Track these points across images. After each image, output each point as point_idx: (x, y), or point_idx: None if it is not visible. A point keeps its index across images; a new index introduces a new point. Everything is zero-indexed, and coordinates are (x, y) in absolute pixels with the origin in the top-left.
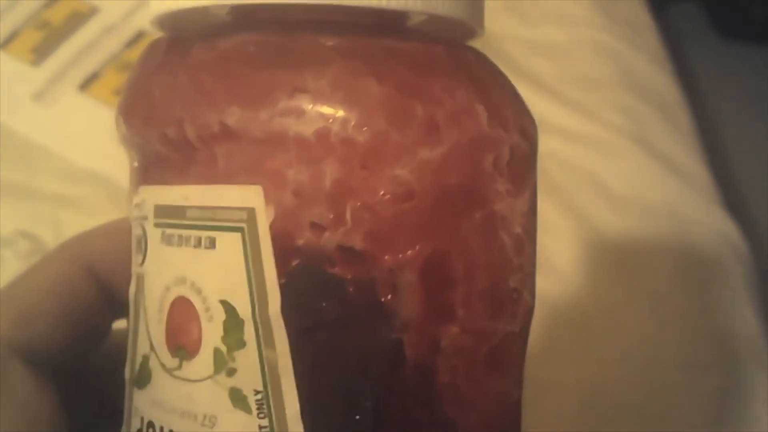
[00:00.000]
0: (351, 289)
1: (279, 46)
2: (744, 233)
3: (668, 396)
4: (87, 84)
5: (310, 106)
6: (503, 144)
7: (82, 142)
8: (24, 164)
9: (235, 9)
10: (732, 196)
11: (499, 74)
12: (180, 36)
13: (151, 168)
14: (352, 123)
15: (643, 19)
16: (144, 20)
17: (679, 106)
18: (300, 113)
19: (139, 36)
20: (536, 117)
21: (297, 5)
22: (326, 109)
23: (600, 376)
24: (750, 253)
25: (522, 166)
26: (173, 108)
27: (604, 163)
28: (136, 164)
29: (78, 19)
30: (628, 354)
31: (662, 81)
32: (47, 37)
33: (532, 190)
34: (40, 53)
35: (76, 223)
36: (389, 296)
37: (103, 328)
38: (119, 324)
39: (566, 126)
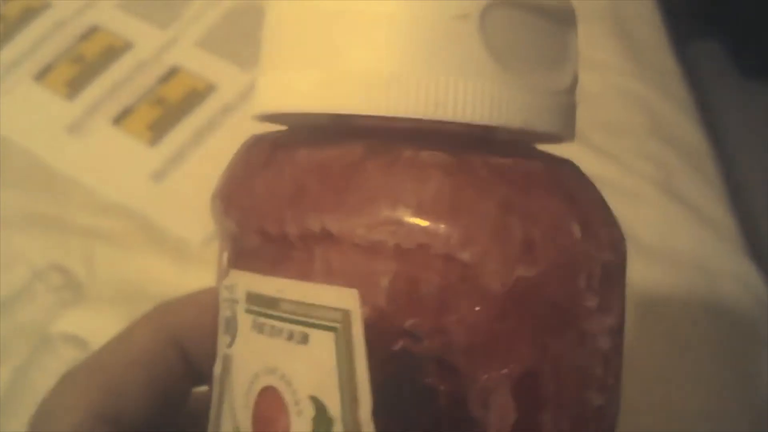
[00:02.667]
0: (443, 401)
1: (382, 158)
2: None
3: None
4: (121, 118)
5: (412, 220)
6: (596, 262)
7: (115, 176)
8: (56, 197)
9: (335, 117)
10: (755, 241)
11: (592, 187)
12: (286, 135)
13: (245, 254)
14: (453, 239)
15: (670, 64)
16: (177, 56)
17: (706, 154)
18: (401, 225)
19: (172, 71)
20: None
21: (397, 119)
22: (427, 224)
23: (628, 425)
24: None
25: (612, 282)
26: (275, 205)
27: (631, 211)
28: (227, 247)
29: (112, 54)
30: (656, 404)
31: (689, 128)
32: (82, 71)
33: (621, 304)
34: (74, 87)
35: (107, 257)
36: (481, 412)
37: (184, 396)
38: (198, 388)
39: (594, 173)
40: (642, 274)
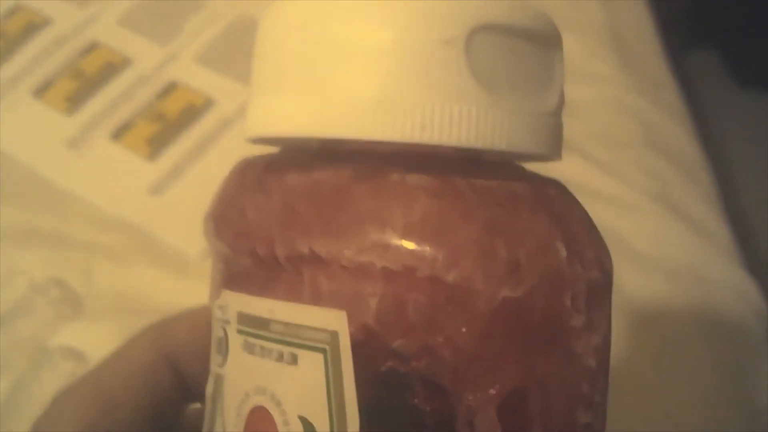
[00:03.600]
0: (430, 422)
1: (369, 181)
2: (763, 291)
3: None
4: (120, 133)
5: (398, 242)
6: (581, 281)
7: (114, 191)
8: (55, 211)
9: (325, 140)
10: (749, 251)
11: (577, 206)
12: (276, 158)
13: (236, 276)
14: (439, 261)
15: (665, 75)
16: (176, 71)
17: (701, 165)
18: (388, 248)
19: (170, 87)
20: (560, 175)
21: (385, 143)
22: (413, 246)
23: None
24: None
25: (598, 300)
26: (265, 228)
27: (627, 223)
28: (220, 267)
29: (111, 70)
30: (650, 414)
31: (684, 139)
32: (81, 87)
33: (607, 322)
34: (74, 102)
35: (106, 271)
36: None
37: (177, 414)
38: (192, 406)
39: (590, 184)
40: (637, 284)
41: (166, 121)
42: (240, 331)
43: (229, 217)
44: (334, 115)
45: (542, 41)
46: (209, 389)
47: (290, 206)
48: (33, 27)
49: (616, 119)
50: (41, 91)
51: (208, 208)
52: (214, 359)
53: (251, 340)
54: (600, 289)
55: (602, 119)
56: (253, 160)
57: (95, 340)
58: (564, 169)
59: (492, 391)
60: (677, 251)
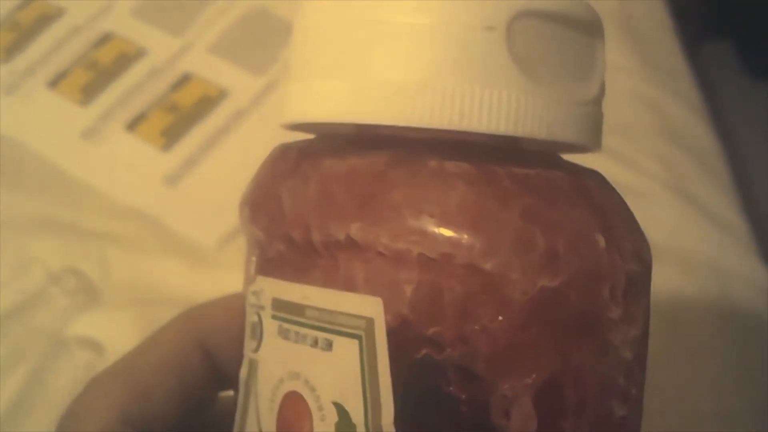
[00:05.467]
0: (464, 410)
1: (406, 168)
2: None
3: None
4: (134, 124)
5: (435, 229)
6: (619, 272)
7: (129, 181)
8: (71, 201)
9: (361, 126)
10: (765, 243)
11: (616, 197)
12: (312, 144)
13: (271, 261)
14: (476, 249)
15: (680, 65)
16: (190, 62)
17: (717, 155)
18: (425, 234)
19: (185, 78)
20: None
21: (422, 129)
22: (450, 233)
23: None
24: None
25: (636, 292)
26: (301, 214)
27: (642, 213)
28: (255, 253)
29: (126, 61)
30: (667, 405)
31: (700, 130)
32: (96, 78)
33: (645, 314)
34: (88, 93)
35: (121, 261)
36: (502, 421)
37: (210, 399)
38: (224, 392)
39: (605, 174)
40: (655, 274)
41: (181, 112)
42: (275, 317)
43: (264, 204)
44: (372, 101)
45: (584, 29)
46: (243, 374)
47: (326, 192)
48: (47, 18)
49: (631, 109)
50: (56, 82)
51: (243, 195)
52: (248, 344)
53: (286, 325)
54: (638, 281)
55: (616, 108)
56: (287, 146)
57: (112, 330)
58: (579, 160)
59: (527, 381)
60: (693, 241)
